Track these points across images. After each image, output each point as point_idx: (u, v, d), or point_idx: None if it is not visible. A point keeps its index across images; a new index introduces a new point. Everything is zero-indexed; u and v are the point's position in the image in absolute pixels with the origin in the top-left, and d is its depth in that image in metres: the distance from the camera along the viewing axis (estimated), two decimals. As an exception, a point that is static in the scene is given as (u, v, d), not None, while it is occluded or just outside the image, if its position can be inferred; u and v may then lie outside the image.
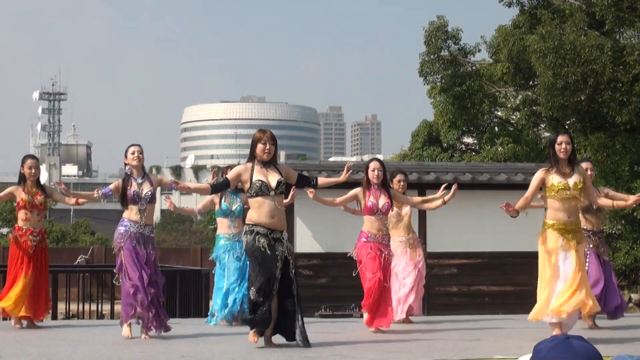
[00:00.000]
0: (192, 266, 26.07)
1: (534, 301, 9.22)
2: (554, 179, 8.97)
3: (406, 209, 11.99)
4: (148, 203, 9.61)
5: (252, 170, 8.57)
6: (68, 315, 16.59)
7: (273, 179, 8.52)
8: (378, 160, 10.93)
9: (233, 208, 11.61)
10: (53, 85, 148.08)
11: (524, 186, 15.96)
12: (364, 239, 10.41)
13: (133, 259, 9.41)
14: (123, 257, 9.47)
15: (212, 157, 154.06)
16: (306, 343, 8.46)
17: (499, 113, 30.71)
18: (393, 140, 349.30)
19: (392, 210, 10.84)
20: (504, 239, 15.15)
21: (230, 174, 8.72)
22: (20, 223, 10.82)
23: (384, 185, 10.58)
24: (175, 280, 15.54)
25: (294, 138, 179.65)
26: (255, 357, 7.97)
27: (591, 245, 10.78)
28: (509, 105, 30.30)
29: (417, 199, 11.33)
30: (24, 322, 10.76)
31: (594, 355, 3.46)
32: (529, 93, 28.15)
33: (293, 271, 8.57)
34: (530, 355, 3.52)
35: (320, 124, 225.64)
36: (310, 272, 15.31)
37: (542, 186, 9.09)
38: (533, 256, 14.77)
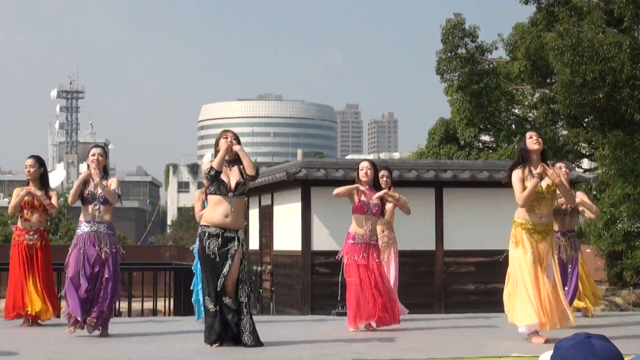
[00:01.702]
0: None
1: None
2: (528, 182, 8.89)
3: (388, 206, 11.85)
4: (102, 203, 9.61)
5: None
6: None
7: (234, 179, 8.50)
8: (369, 160, 10.85)
9: None
10: (71, 83, 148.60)
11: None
12: (351, 241, 10.34)
13: (77, 265, 9.40)
14: (69, 259, 9.50)
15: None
16: (257, 343, 8.35)
17: (516, 111, 30.63)
18: (410, 138, 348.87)
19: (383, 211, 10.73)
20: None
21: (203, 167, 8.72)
22: (19, 223, 10.87)
23: (375, 185, 10.51)
24: (190, 279, 15.55)
25: (311, 136, 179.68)
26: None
27: (560, 247, 10.83)
28: (526, 103, 30.21)
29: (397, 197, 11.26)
30: (27, 321, 10.72)
31: (614, 355, 3.43)
32: (547, 91, 28.06)
33: (245, 272, 8.46)
34: (551, 352, 3.51)
35: (338, 121, 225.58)
36: (327, 270, 15.29)
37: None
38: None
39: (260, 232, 19.99)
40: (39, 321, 10.74)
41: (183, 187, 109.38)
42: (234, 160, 8.61)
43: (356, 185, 10.46)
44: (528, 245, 8.82)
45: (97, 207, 9.62)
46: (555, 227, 10.78)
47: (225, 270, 8.33)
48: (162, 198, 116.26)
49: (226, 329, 8.38)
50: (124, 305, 16.20)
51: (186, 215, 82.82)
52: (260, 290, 20.01)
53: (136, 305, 16.46)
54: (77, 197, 9.78)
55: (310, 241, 15.72)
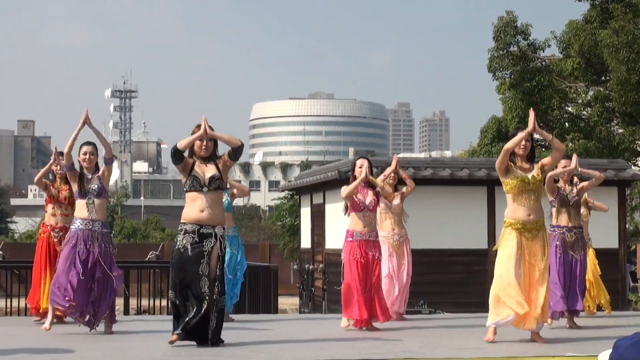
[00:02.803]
0: (261, 262, 26.20)
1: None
2: (513, 174, 8.93)
3: (396, 202, 11.78)
4: (95, 197, 9.64)
5: (193, 165, 8.55)
6: (139, 311, 16.82)
7: (208, 174, 8.49)
8: (365, 157, 10.75)
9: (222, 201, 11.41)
10: (124, 83, 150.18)
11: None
12: (350, 238, 10.34)
13: (70, 260, 9.44)
14: (62, 257, 9.55)
15: (280, 153, 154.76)
16: (218, 341, 8.32)
17: (570, 109, 30.31)
18: (461, 137, 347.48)
19: (379, 207, 10.71)
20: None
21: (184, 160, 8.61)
22: (46, 219, 10.96)
23: (370, 182, 10.44)
24: (245, 277, 15.65)
25: (362, 134, 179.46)
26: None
27: (558, 243, 10.66)
28: (579, 101, 29.89)
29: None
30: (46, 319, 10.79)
31: (671, 355, 3.40)
32: (601, 89, 27.75)
33: (206, 271, 8.35)
34: (610, 351, 3.49)
35: (389, 120, 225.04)
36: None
37: (502, 179, 8.99)
38: (605, 253, 14.63)
39: (312, 231, 20.04)
40: (64, 319, 10.67)
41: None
42: (210, 157, 8.60)
43: (360, 179, 10.34)
44: (515, 245, 8.79)
45: (91, 201, 9.63)
46: (563, 222, 10.74)
47: (202, 268, 8.28)
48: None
49: (185, 325, 8.31)
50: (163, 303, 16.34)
51: (238, 213, 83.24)
52: (312, 289, 20.06)
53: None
54: (72, 149, 9.77)
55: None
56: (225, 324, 8.61)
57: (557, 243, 10.62)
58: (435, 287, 15.15)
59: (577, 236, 10.81)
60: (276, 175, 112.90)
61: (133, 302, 16.15)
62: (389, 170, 11.80)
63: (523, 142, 9.02)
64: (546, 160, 9.09)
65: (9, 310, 14.82)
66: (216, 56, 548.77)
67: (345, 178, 15.09)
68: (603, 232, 15.41)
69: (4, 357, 7.63)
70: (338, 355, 7.87)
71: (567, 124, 29.21)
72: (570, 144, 27.08)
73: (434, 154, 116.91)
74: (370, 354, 7.96)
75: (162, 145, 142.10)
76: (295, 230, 31.32)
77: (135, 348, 8.34)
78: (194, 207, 8.44)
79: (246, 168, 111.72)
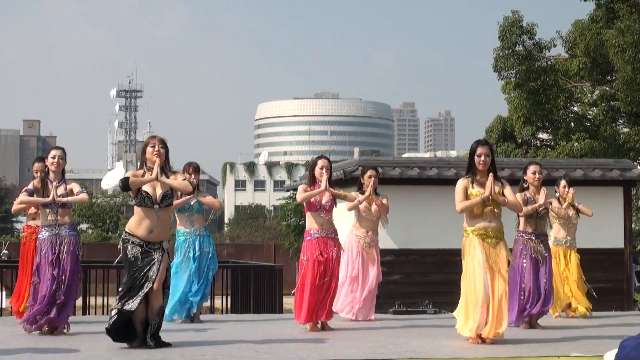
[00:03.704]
0: (265, 262, 26.21)
1: (607, 298, 9.08)
2: (474, 190, 8.95)
3: (375, 208, 11.68)
4: (59, 207, 9.58)
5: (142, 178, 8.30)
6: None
7: (160, 191, 8.28)
8: (326, 158, 10.61)
9: (191, 203, 11.34)
10: (129, 82, 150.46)
11: (601, 182, 15.86)
12: (308, 237, 10.28)
13: (45, 274, 9.43)
14: (40, 269, 9.51)
15: (285, 153, 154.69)
16: (159, 344, 8.26)
17: (575, 108, 30.27)
18: (467, 136, 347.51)
19: (335, 207, 10.59)
20: (578, 235, 14.97)
21: (131, 178, 8.32)
22: (30, 221, 10.89)
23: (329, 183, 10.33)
24: (250, 276, 15.69)
25: (367, 134, 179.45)
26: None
27: (522, 248, 10.82)
28: (585, 101, 29.86)
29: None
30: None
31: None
32: (607, 88, 27.71)
33: (155, 274, 8.27)
34: (615, 350, 3.47)
35: (394, 120, 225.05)
36: (384, 269, 15.26)
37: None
38: (611, 253, 14.61)
39: (316, 230, 20.01)
40: None
41: (240, 185, 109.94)
42: (162, 170, 8.31)
43: (315, 190, 10.26)
44: (479, 253, 8.77)
45: (54, 210, 9.56)
46: (529, 229, 10.91)
47: (152, 274, 8.20)
48: (219, 196, 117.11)
49: (134, 330, 8.30)
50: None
51: (243, 213, 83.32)
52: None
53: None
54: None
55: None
56: (229, 324, 8.60)
57: (521, 248, 10.79)
58: (440, 287, 15.09)
59: (543, 243, 10.99)
60: (281, 175, 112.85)
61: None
62: (367, 193, 11.60)
63: (482, 158, 9.00)
64: (510, 198, 9.00)
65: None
66: (221, 56, 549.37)
67: (350, 178, 15.10)
68: (608, 232, 15.39)
69: (9, 356, 7.64)
70: (342, 355, 7.86)
71: (572, 123, 29.15)
72: (575, 144, 27.04)
73: (439, 154, 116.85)
74: (375, 353, 7.96)
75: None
76: (300, 230, 31.35)
77: (139, 347, 8.33)
78: (143, 225, 8.23)
79: (251, 168, 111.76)
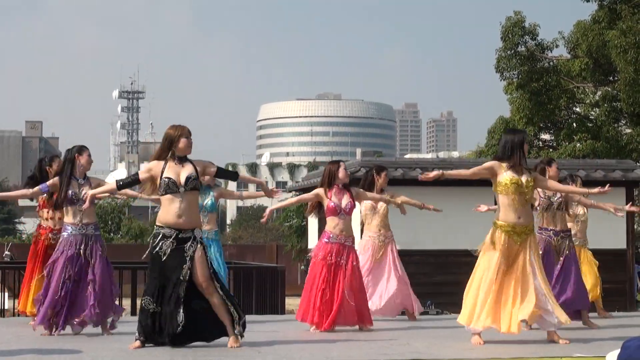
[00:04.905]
0: (268, 263, 26.22)
1: (610, 299, 9.06)
2: (507, 175, 8.82)
3: (381, 204, 11.74)
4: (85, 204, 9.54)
5: (164, 167, 8.32)
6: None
7: (184, 175, 8.29)
8: (342, 160, 10.63)
9: (204, 203, 11.14)
10: (132, 84, 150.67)
11: (603, 183, 15.79)
12: (325, 239, 10.19)
13: (60, 270, 9.41)
14: (55, 265, 9.48)
15: (287, 154, 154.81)
16: (242, 332, 8.27)
17: (577, 109, 30.26)
18: (469, 137, 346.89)
19: (355, 208, 10.53)
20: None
21: (142, 170, 8.50)
22: (42, 222, 10.83)
23: (346, 185, 10.33)
24: (252, 277, 15.67)
25: (369, 135, 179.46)
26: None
27: (542, 246, 10.58)
28: (587, 101, 29.85)
29: (381, 196, 11.16)
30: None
31: (679, 356, 3.38)
32: (609, 89, 27.70)
33: (211, 269, 8.28)
34: (618, 351, 3.47)
35: (396, 121, 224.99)
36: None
37: (492, 180, 8.93)
38: (613, 254, 14.61)
39: (319, 231, 20.01)
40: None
41: (242, 186, 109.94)
42: (185, 157, 8.39)
43: (316, 192, 10.25)
44: (501, 249, 8.74)
45: (81, 208, 9.51)
46: (549, 225, 10.73)
47: (183, 274, 8.15)
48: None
49: (161, 331, 8.25)
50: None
51: (245, 214, 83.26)
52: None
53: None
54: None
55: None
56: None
57: (542, 245, 10.58)
58: (443, 287, 15.12)
59: (563, 240, 10.79)
60: (283, 176, 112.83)
61: (140, 302, 16.15)
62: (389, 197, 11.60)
63: (527, 147, 8.94)
64: (541, 180, 9.01)
65: (17, 311, 14.82)
66: (224, 57, 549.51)
67: (352, 179, 15.11)
68: (611, 232, 15.39)
69: (12, 357, 7.64)
70: (346, 357, 7.87)
71: (574, 124, 29.15)
72: (578, 145, 27.04)
73: (441, 155, 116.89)
74: (378, 354, 7.96)
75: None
76: (302, 231, 31.35)
77: (143, 348, 8.34)
78: (171, 211, 8.24)
79: (253, 169, 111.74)
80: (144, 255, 8.52)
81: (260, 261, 29.73)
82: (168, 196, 8.27)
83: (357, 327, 10.25)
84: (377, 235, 11.69)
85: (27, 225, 68.41)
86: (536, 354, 8.01)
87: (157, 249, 8.22)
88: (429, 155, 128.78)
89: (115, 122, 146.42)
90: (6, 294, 15.52)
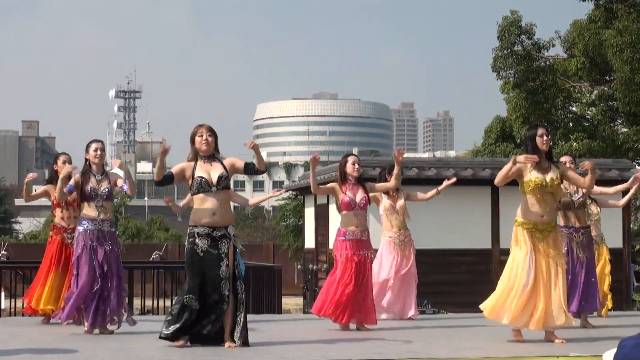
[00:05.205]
0: (264, 262, 26.21)
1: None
2: (532, 174, 8.74)
3: (400, 202, 11.74)
4: (105, 200, 9.62)
5: (195, 167, 8.40)
6: (143, 311, 16.83)
7: (215, 174, 8.35)
8: (355, 155, 10.63)
9: None
10: (128, 83, 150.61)
11: (600, 182, 15.79)
12: (342, 237, 10.23)
13: (88, 263, 9.43)
14: (80, 260, 9.49)
15: (284, 153, 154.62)
16: (245, 342, 8.23)
17: (574, 108, 30.30)
18: (465, 137, 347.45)
19: (370, 204, 10.55)
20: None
21: (174, 168, 8.52)
22: (56, 221, 10.83)
23: (360, 180, 10.36)
24: (249, 277, 15.64)
25: (366, 134, 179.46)
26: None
27: (572, 244, 10.62)
28: (584, 101, 29.89)
29: (387, 185, 11.00)
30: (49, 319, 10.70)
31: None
32: (605, 88, 27.74)
33: (238, 269, 8.33)
34: (615, 350, 3.48)
35: (393, 120, 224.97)
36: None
37: (518, 180, 8.84)
38: (610, 253, 14.58)
39: (315, 231, 20.02)
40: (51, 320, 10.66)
41: (239, 185, 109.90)
42: (213, 155, 8.45)
43: (332, 186, 10.32)
44: (526, 246, 8.72)
45: (100, 204, 9.60)
46: (569, 223, 10.70)
47: (222, 271, 8.22)
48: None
49: (199, 329, 8.29)
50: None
51: (242, 214, 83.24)
52: (316, 289, 20.04)
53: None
54: (62, 194, 9.66)
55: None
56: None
57: (565, 242, 10.52)
58: (439, 287, 15.14)
59: (584, 237, 10.77)
60: (280, 175, 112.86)
61: (137, 302, 16.13)
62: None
63: (545, 138, 8.81)
64: (573, 175, 8.95)
65: (13, 310, 14.83)
66: (220, 56, 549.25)
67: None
68: (607, 231, 15.36)
69: (8, 357, 7.64)
70: (343, 356, 7.86)
71: (571, 123, 29.19)
72: (574, 144, 27.08)
73: (437, 154, 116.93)
74: (375, 354, 7.96)
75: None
76: (299, 231, 31.37)
77: (139, 348, 8.34)
78: (205, 210, 8.29)
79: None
80: (187, 257, 8.49)
81: (257, 260, 29.70)
82: (200, 195, 8.33)
83: (355, 325, 10.29)
84: (397, 236, 11.73)
85: (24, 225, 68.41)
86: (532, 353, 8.01)
87: (194, 246, 8.26)
88: (426, 155, 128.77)
89: (112, 121, 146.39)
90: (2, 294, 15.50)
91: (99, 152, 9.83)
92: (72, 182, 9.76)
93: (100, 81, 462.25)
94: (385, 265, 11.64)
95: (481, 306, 8.96)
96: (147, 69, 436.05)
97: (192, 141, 8.50)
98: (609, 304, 12.49)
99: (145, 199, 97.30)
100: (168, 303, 16.36)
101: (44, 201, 12.06)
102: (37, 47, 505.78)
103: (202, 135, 8.45)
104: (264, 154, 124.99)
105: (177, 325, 8.26)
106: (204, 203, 8.31)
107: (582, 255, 10.69)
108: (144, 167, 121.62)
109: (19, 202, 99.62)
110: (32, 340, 8.97)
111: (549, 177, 8.75)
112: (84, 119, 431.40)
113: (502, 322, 8.76)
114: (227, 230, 8.33)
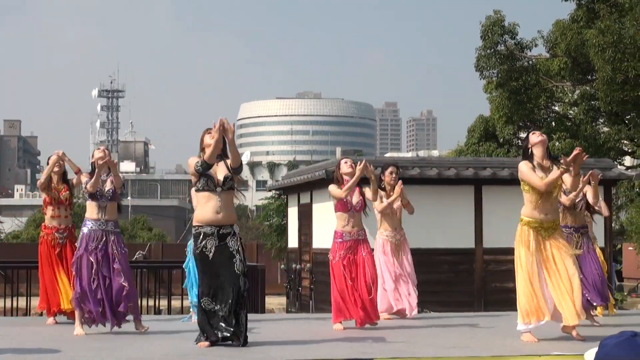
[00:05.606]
0: (248, 262, 26.18)
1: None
2: (537, 173, 8.81)
3: (398, 203, 11.79)
4: (109, 200, 9.62)
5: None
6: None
7: (221, 174, 8.38)
8: (349, 157, 10.68)
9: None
10: (111, 82, 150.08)
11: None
12: (339, 240, 10.28)
13: (87, 264, 9.42)
14: (81, 261, 9.49)
15: (268, 153, 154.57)
16: (244, 342, 8.25)
17: (556, 108, 30.43)
18: (449, 136, 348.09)
19: (366, 207, 10.53)
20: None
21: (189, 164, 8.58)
22: (47, 221, 10.81)
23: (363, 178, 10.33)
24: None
25: (350, 134, 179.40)
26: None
27: (572, 244, 10.64)
28: (566, 100, 30.01)
29: (375, 189, 10.82)
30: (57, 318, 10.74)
31: (659, 354, 3.41)
32: (587, 88, 27.87)
33: (240, 268, 8.33)
34: (596, 349, 3.50)
35: (376, 119, 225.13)
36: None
37: (521, 180, 8.91)
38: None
39: (299, 230, 20.04)
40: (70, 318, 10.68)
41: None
42: (219, 155, 8.47)
43: (330, 188, 10.37)
44: (532, 244, 8.77)
45: (104, 204, 9.60)
46: (569, 222, 10.78)
47: (236, 267, 8.25)
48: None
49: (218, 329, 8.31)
50: (163, 303, 16.34)
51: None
52: (300, 288, 20.06)
53: (176, 302, 16.56)
54: (97, 182, 9.66)
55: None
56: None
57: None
58: (423, 286, 15.10)
59: (584, 236, 10.92)
60: (263, 174, 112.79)
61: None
62: (396, 195, 11.58)
63: (540, 138, 8.98)
64: (568, 179, 8.95)
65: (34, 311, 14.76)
66: (204, 56, 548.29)
67: (331, 178, 15.15)
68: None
69: (-10, 357, 7.61)
70: (326, 355, 7.87)
71: (553, 123, 29.32)
72: (556, 143, 27.19)
73: (421, 154, 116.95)
74: (358, 353, 7.97)
75: (149, 146, 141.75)
76: (282, 230, 31.31)
77: (123, 348, 8.33)
78: (209, 208, 8.31)
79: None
80: (197, 256, 8.46)
81: (241, 260, 29.65)
82: (205, 193, 8.35)
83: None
84: (392, 235, 11.77)
85: (5, 225, 68.03)
86: (513, 352, 8.04)
87: (202, 248, 8.27)
88: (409, 154, 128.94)
89: (94, 120, 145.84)
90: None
91: (100, 153, 9.82)
92: (82, 179, 9.82)
93: (83, 80, 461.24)
94: (380, 265, 11.67)
95: (518, 314, 8.89)
96: (130, 68, 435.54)
97: (202, 140, 8.55)
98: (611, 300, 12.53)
99: (129, 198, 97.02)
100: (151, 303, 16.34)
101: (26, 200, 12.04)
102: (20, 46, 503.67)
103: (207, 134, 8.51)
104: (247, 153, 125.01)
105: (210, 329, 8.28)
106: (208, 202, 8.34)
107: (585, 253, 10.80)
108: (127, 167, 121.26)
109: (0, 201, 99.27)
110: (15, 340, 8.94)
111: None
112: (66, 118, 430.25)
113: (543, 321, 8.68)
114: (232, 228, 8.38)
